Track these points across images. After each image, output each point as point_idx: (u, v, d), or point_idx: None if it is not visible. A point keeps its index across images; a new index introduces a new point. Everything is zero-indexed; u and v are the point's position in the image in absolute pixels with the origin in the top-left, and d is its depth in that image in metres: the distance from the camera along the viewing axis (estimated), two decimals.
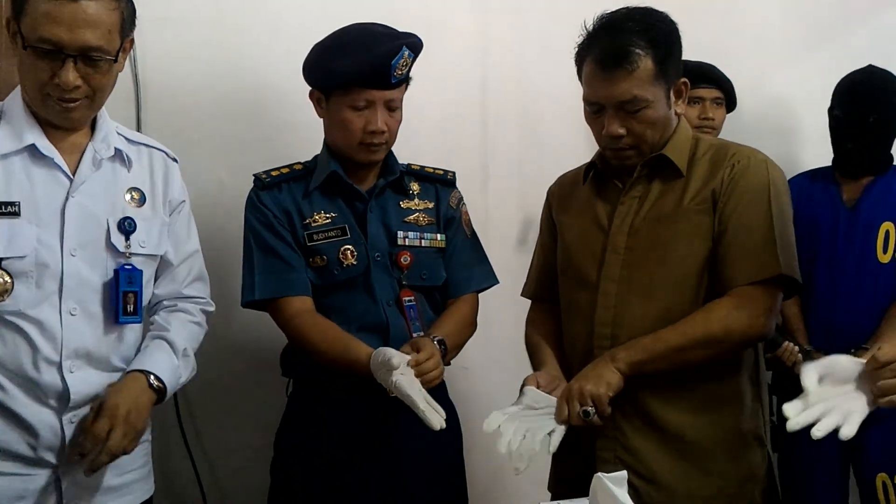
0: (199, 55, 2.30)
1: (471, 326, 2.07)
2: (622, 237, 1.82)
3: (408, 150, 2.11)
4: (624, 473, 1.40)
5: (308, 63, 1.98)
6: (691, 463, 1.77)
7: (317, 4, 2.35)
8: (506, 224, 2.74)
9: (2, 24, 1.82)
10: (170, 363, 1.72)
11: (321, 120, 2.03)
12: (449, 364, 1.99)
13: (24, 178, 1.60)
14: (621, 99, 1.74)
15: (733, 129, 2.76)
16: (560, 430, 1.69)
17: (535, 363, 1.93)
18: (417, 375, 1.74)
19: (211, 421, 2.34)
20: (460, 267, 2.09)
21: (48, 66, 1.54)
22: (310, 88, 2.01)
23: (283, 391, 2.09)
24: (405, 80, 1.98)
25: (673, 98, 1.81)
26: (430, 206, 2.07)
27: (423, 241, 2.03)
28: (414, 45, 1.94)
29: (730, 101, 2.79)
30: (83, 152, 1.67)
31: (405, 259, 1.99)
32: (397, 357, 1.74)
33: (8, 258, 1.55)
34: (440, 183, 2.12)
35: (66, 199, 1.63)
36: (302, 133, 2.13)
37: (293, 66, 2.01)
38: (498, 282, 2.15)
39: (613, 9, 1.81)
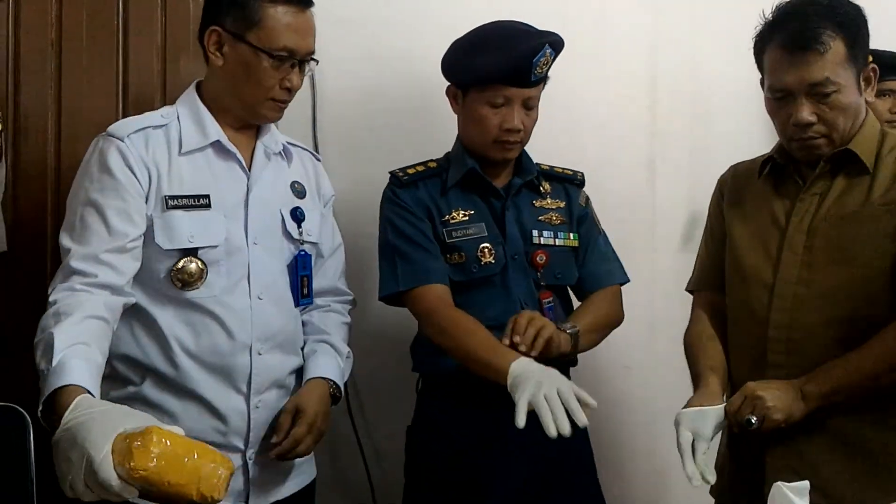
0: (373, 57, 2.35)
1: (612, 313, 2.02)
2: (801, 236, 1.74)
3: (570, 146, 2.09)
4: (806, 484, 1.33)
5: (447, 59, 1.99)
6: (869, 476, 1.67)
7: (486, 4, 2.36)
8: (673, 221, 2.66)
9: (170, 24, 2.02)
10: (338, 368, 1.85)
11: None
12: (575, 357, 1.94)
13: (209, 172, 1.71)
14: (813, 81, 1.66)
15: None
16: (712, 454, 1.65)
17: (695, 375, 1.84)
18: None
19: (378, 408, 2.37)
20: (599, 261, 2.06)
21: (278, 72, 1.69)
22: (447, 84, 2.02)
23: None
24: (544, 80, 1.96)
25: (862, 85, 1.72)
26: (562, 205, 2.06)
27: (557, 240, 2.01)
28: (555, 43, 1.91)
29: None
30: (253, 149, 1.78)
31: (541, 258, 1.97)
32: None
33: (203, 248, 1.66)
34: (569, 183, 2.10)
35: (248, 191, 1.74)
36: None
37: None
38: (629, 280, 2.10)
39: None
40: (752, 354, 1.77)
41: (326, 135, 2.30)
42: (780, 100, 1.73)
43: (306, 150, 1.95)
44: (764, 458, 1.73)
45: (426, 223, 1.97)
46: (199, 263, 1.66)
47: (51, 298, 1.55)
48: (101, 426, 1.21)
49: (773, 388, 1.65)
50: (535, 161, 2.07)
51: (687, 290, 2.04)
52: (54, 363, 1.39)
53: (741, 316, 1.83)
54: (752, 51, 1.79)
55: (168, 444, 1.20)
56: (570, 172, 2.11)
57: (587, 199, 2.12)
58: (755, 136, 2.34)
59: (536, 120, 1.97)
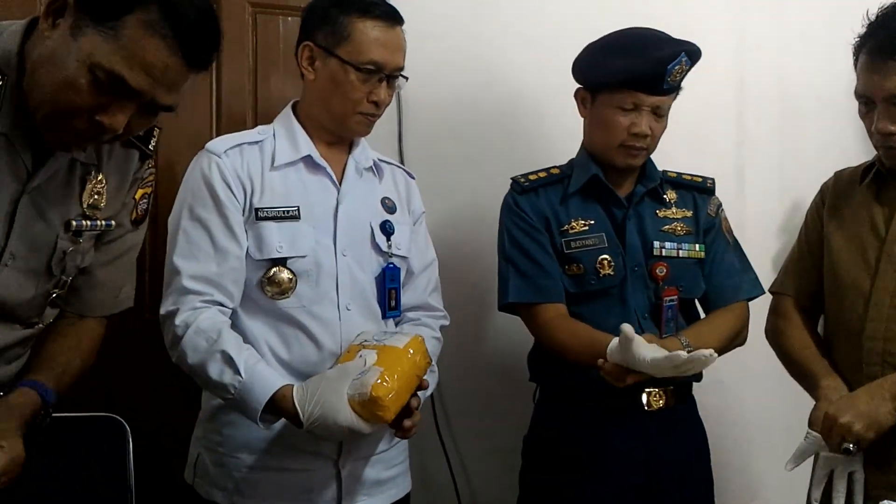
0: (457, 69, 2.36)
1: (734, 335, 1.93)
2: None
3: (657, 154, 2.06)
4: None
5: (580, 61, 1.96)
6: None
7: (568, 14, 2.35)
8: (764, 230, 2.61)
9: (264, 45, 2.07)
10: None
11: (572, 128, 2.02)
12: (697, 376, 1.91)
13: (300, 185, 1.76)
14: (892, 92, 1.63)
15: None
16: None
17: (818, 374, 1.78)
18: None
19: (465, 424, 2.39)
20: (727, 274, 1.98)
21: (365, 86, 1.73)
22: (576, 87, 1.98)
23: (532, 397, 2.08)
24: (676, 89, 1.91)
25: None
26: (689, 214, 1.99)
27: (680, 251, 1.94)
28: (692, 52, 1.87)
29: None
30: (345, 164, 1.82)
31: (661, 270, 1.92)
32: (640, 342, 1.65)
33: (292, 258, 1.70)
34: (698, 190, 2.03)
35: (337, 204, 1.77)
36: (554, 142, 2.14)
37: (544, 77, 2.01)
38: (764, 292, 2.02)
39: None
40: (848, 365, 1.73)
41: (412, 147, 2.33)
42: (865, 105, 1.70)
43: (400, 167, 1.98)
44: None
45: (544, 235, 1.94)
46: (289, 273, 1.70)
47: (177, 321, 1.64)
48: (337, 406, 1.52)
49: (854, 406, 1.61)
50: (663, 168, 2.02)
51: (770, 290, 1.99)
52: (244, 374, 1.58)
53: (837, 325, 1.79)
54: (840, 54, 1.75)
55: (387, 384, 1.53)
56: (700, 179, 2.05)
57: (718, 207, 2.04)
58: (850, 144, 2.27)
59: (665, 129, 1.93)
